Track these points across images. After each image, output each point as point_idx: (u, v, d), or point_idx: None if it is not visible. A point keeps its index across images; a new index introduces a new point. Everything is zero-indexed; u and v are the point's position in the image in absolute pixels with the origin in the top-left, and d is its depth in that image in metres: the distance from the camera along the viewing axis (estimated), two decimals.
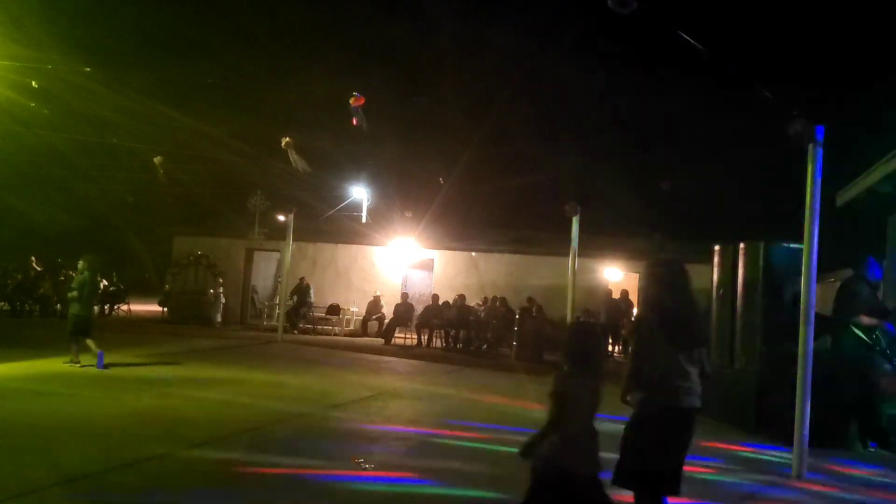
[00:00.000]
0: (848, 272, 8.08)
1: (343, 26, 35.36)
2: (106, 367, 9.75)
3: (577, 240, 12.16)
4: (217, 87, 23.09)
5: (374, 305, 19.08)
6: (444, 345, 17.26)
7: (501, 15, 35.44)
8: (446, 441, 6.88)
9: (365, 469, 5.54)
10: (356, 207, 23.95)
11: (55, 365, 9.88)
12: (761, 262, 8.23)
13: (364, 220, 22.90)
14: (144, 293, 24.85)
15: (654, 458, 3.74)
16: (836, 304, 7.65)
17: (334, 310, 19.36)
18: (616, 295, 17.87)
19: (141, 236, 30.22)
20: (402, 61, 32.23)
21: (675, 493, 3.82)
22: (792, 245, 7.61)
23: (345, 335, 18.65)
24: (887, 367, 7.27)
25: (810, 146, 6.20)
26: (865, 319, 7.27)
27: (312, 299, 19.23)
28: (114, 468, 5.13)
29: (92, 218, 31.52)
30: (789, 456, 6.17)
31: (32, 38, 16.51)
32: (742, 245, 8.62)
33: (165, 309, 20.55)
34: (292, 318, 18.58)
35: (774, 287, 8.02)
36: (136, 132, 21.62)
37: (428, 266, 20.57)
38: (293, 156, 16.49)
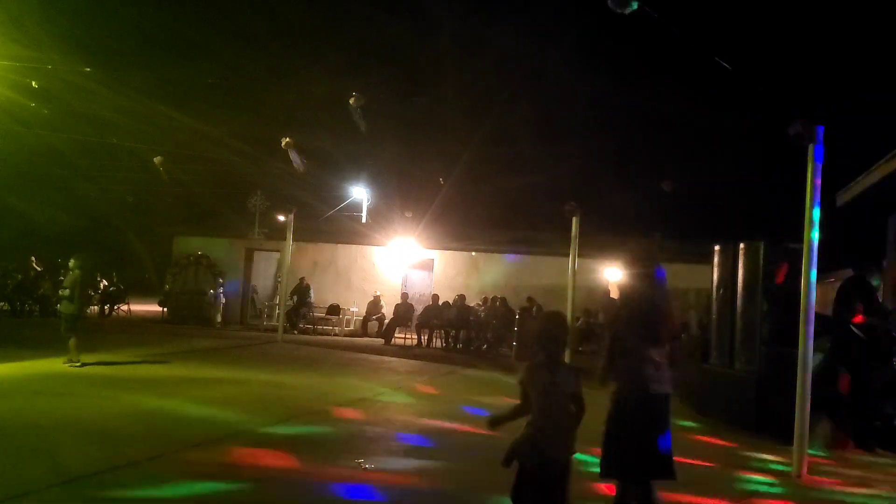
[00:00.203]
0: (848, 272, 8.08)
1: (343, 26, 35.44)
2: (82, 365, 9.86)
3: (577, 240, 12.14)
4: (217, 87, 23.15)
5: (374, 305, 19.08)
6: (444, 345, 17.27)
7: (501, 15, 35.48)
8: (446, 441, 6.88)
9: (365, 469, 5.54)
10: (356, 207, 24.00)
11: (55, 365, 9.87)
12: (761, 262, 8.23)
13: (364, 220, 22.93)
14: (144, 293, 24.86)
15: (633, 444, 3.86)
16: (835, 304, 7.65)
17: (334, 310, 19.36)
18: (615, 295, 17.83)
19: (141, 236, 30.28)
20: (402, 61, 32.31)
21: (669, 476, 3.90)
22: (792, 245, 7.61)
23: (345, 335, 18.64)
24: (887, 367, 7.27)
25: (810, 146, 6.20)
26: (865, 319, 7.27)
27: (312, 299, 19.22)
28: (113, 468, 5.12)
29: (92, 218, 31.54)
30: (789, 456, 6.17)
31: (32, 38, 16.54)
32: (742, 245, 8.62)
33: (165, 309, 20.54)
34: (292, 318, 18.58)
35: (774, 287, 8.02)
36: (136, 132, 21.68)
37: (428, 266, 20.56)
38: (293, 155, 16.52)
